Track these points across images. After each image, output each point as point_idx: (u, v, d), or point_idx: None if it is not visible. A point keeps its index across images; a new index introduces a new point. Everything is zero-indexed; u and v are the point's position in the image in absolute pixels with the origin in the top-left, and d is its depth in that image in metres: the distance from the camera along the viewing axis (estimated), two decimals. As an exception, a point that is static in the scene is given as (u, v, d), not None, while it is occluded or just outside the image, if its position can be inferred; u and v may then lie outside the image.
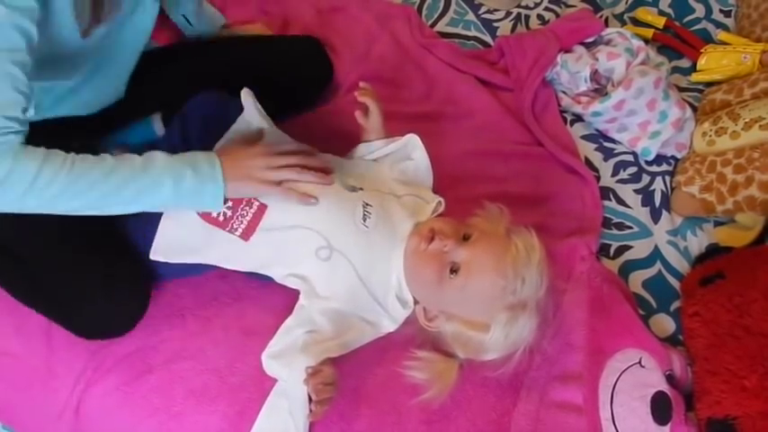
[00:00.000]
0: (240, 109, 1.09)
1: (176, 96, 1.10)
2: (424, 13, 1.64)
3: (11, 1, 0.77)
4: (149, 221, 0.99)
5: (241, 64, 1.26)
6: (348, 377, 1.00)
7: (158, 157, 0.90)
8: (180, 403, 1.01)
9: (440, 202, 1.11)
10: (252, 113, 1.08)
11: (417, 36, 1.54)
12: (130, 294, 1.01)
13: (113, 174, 0.87)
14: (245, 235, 0.98)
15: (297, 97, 1.33)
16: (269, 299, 1.06)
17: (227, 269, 1.02)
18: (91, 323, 1.00)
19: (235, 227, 0.98)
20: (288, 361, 0.93)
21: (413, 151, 1.17)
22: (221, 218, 0.97)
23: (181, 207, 0.95)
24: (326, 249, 0.98)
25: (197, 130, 1.12)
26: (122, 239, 1.03)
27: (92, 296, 0.98)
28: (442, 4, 1.65)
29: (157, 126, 1.22)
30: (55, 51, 0.91)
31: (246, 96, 1.08)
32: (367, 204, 1.01)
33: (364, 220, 1.00)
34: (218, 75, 1.19)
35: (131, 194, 0.88)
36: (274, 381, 1.00)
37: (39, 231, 0.99)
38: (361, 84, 1.14)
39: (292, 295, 1.00)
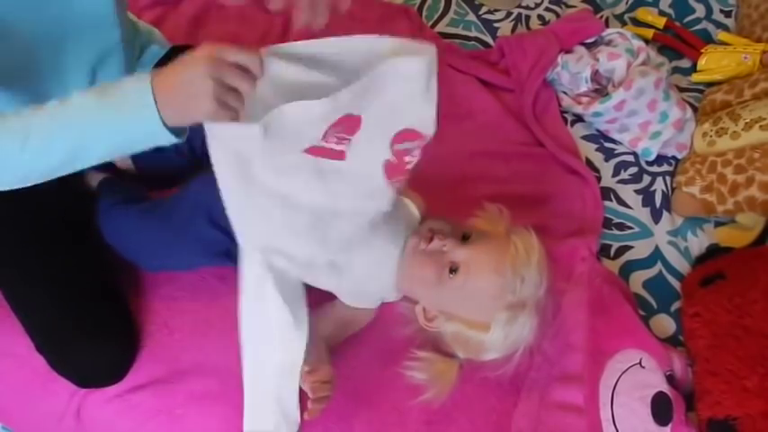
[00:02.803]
0: None
1: None
2: (424, 13, 1.64)
3: None
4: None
5: None
6: (348, 378, 1.00)
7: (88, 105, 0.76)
8: (181, 406, 1.01)
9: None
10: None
11: (418, 37, 1.55)
12: (119, 349, 1.01)
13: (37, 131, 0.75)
14: None
15: None
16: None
17: (224, 270, 1.02)
18: (80, 374, 1.00)
19: None
20: None
21: None
22: None
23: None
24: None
25: (203, 132, 1.12)
26: (108, 281, 1.05)
27: (79, 350, 0.98)
28: (442, 5, 1.66)
29: None
30: None
31: None
32: None
33: None
34: None
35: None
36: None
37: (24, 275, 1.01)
38: None
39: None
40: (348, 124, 0.81)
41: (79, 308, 1.00)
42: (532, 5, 1.67)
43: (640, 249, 1.29)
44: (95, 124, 0.75)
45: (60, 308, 0.99)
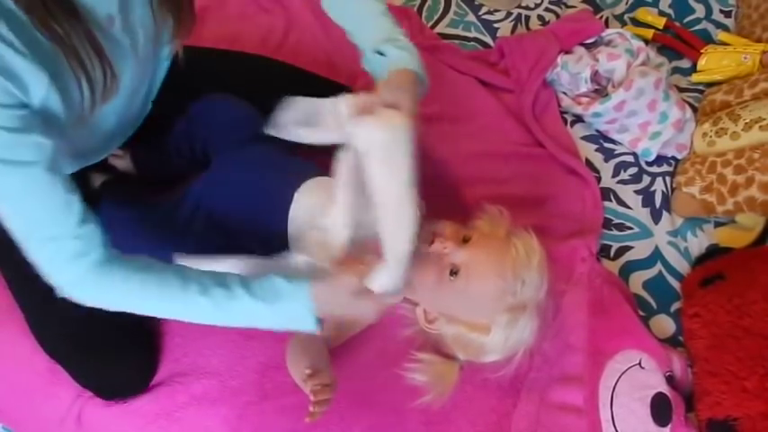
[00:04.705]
0: (244, 110, 1.10)
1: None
2: (424, 14, 1.64)
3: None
4: None
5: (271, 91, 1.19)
6: (349, 379, 1.00)
7: (253, 312, 0.84)
8: (181, 408, 1.01)
9: None
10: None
11: (418, 38, 1.54)
12: (143, 361, 1.02)
13: (203, 314, 0.85)
14: None
15: None
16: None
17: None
18: (107, 388, 1.01)
19: None
20: None
21: None
22: None
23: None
24: None
25: (204, 134, 1.12)
26: None
27: (107, 365, 0.99)
28: (442, 6, 1.65)
29: None
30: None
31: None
32: None
33: None
34: (249, 98, 1.15)
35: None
36: (274, 384, 1.00)
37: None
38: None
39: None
40: None
41: (104, 323, 0.98)
42: (532, 6, 1.67)
43: (640, 250, 1.29)
44: (257, 322, 0.86)
45: (86, 323, 0.98)
